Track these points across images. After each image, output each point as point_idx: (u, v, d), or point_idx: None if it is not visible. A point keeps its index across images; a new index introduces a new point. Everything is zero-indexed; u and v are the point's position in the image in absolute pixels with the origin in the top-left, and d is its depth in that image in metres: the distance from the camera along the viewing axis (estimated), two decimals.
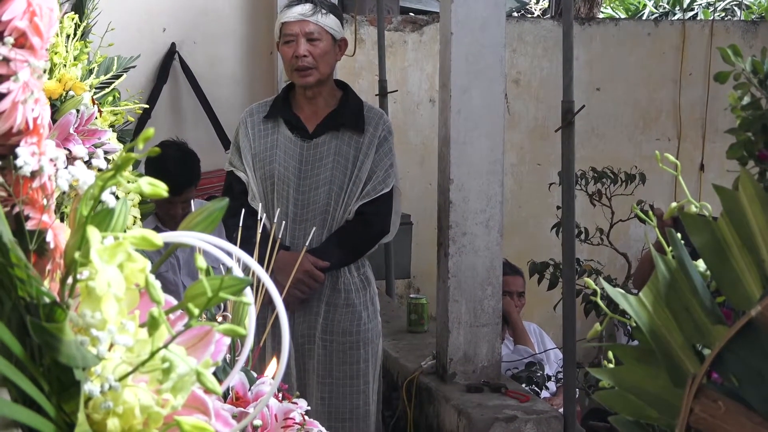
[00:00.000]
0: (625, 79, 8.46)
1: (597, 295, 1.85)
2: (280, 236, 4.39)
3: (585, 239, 6.97)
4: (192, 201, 5.71)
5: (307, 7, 4.55)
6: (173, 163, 5.47)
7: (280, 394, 1.92)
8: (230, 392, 1.90)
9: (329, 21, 4.56)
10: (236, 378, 1.91)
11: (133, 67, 5.01)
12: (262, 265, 1.96)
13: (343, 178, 4.57)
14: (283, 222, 4.55)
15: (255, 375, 2.01)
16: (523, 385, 5.48)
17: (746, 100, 1.66)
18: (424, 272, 7.47)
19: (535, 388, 5.71)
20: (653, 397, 1.84)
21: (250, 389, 1.91)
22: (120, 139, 3.45)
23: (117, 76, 3.63)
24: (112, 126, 3.41)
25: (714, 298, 1.78)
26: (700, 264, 1.79)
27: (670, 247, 1.78)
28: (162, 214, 5.58)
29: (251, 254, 1.71)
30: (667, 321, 1.80)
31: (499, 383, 4.97)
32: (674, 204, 1.82)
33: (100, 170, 1.25)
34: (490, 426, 4.61)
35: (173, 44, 7.15)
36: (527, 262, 6.68)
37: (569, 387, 4.72)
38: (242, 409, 1.83)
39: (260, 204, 4.54)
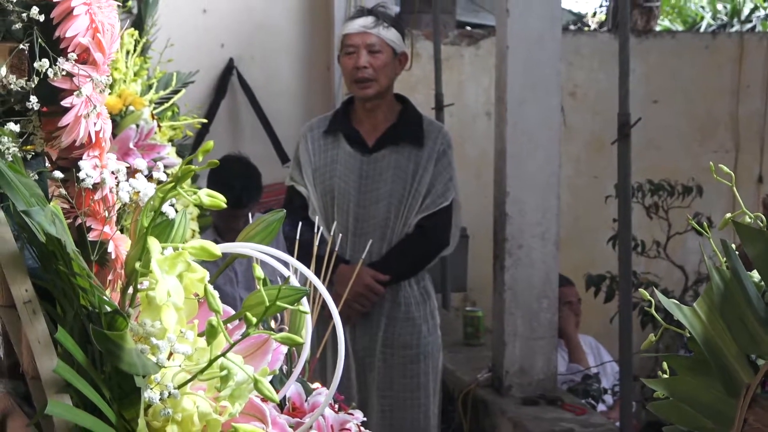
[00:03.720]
0: (682, 91, 8.41)
1: (652, 306, 1.85)
2: (337, 249, 4.45)
3: (642, 252, 6.93)
4: (251, 215, 5.78)
5: (369, 20, 4.57)
6: (237, 178, 5.53)
7: (337, 405, 1.93)
8: (287, 403, 1.92)
9: (390, 34, 4.58)
10: (293, 389, 1.93)
11: (192, 82, 5.06)
12: (322, 280, 1.99)
13: (403, 191, 4.58)
14: (342, 236, 4.56)
15: (311, 386, 2.02)
16: (580, 399, 5.46)
17: None
18: (480, 285, 7.45)
19: (592, 402, 5.70)
20: (707, 407, 1.84)
21: (306, 400, 1.93)
22: (179, 153, 3.50)
23: (176, 91, 3.67)
24: (170, 140, 3.45)
25: None
26: (755, 275, 1.80)
27: (725, 258, 1.79)
28: (222, 227, 5.61)
29: (309, 267, 1.74)
30: (721, 331, 1.80)
31: (556, 396, 4.97)
32: (729, 215, 1.82)
33: (160, 182, 1.28)
34: None
35: (231, 59, 7.21)
36: (583, 274, 6.67)
37: (625, 400, 4.70)
38: (298, 419, 1.84)
39: (317, 217, 4.57)
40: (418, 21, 7.88)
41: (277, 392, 1.30)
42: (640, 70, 8.03)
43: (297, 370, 1.76)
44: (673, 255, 7.16)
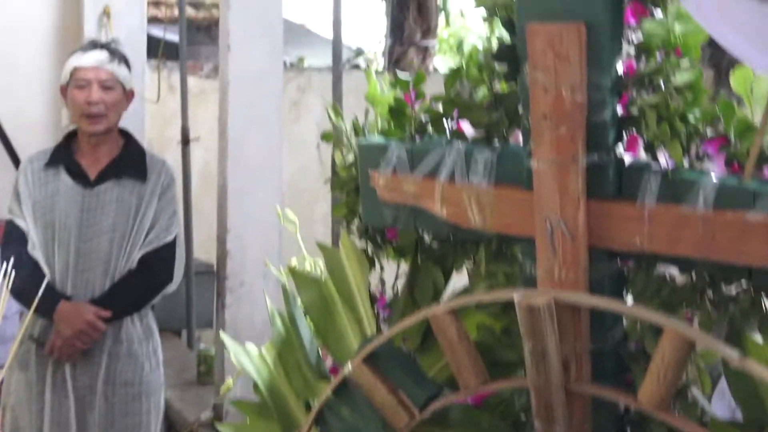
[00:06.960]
0: None
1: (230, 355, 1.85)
2: (58, 285, 4.37)
3: None
4: None
5: (103, 55, 4.52)
6: None
7: None
8: None
9: (122, 71, 4.55)
10: None
11: None
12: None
13: (126, 226, 4.50)
14: (63, 271, 4.48)
15: None
16: None
17: (349, 159, 1.68)
18: None
19: None
20: None
21: None
22: None
23: None
24: None
25: None
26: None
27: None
28: None
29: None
30: (284, 376, 1.80)
31: None
32: (292, 261, 1.83)
33: None
34: None
35: None
36: None
37: None
38: None
39: (37, 252, 4.50)
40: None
41: None
42: None
43: None
44: None
